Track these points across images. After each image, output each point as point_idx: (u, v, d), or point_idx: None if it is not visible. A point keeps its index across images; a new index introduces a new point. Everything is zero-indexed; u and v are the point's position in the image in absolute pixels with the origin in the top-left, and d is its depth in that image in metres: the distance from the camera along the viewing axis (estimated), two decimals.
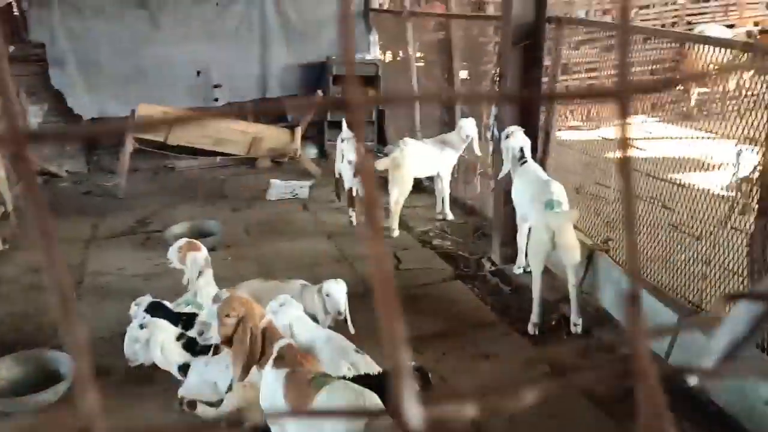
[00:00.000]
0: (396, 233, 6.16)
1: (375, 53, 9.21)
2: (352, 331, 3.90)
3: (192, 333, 3.61)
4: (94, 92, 8.48)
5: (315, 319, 3.88)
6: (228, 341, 2.63)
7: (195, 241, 4.62)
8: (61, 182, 8.39)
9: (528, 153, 4.71)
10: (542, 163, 4.99)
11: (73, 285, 5.37)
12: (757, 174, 3.31)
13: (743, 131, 3.54)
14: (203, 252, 4.49)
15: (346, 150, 6.06)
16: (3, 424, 3.61)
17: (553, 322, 4.41)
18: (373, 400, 2.36)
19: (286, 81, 9.14)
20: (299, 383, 2.51)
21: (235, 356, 2.59)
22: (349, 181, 6.27)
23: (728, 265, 3.65)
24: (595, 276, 4.49)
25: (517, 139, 4.73)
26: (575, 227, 4.37)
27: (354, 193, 6.36)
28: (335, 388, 2.40)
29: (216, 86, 8.92)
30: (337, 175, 6.62)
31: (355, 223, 6.38)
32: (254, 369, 2.71)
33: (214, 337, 2.61)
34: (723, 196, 4.19)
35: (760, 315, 1.18)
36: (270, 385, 2.61)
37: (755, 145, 3.42)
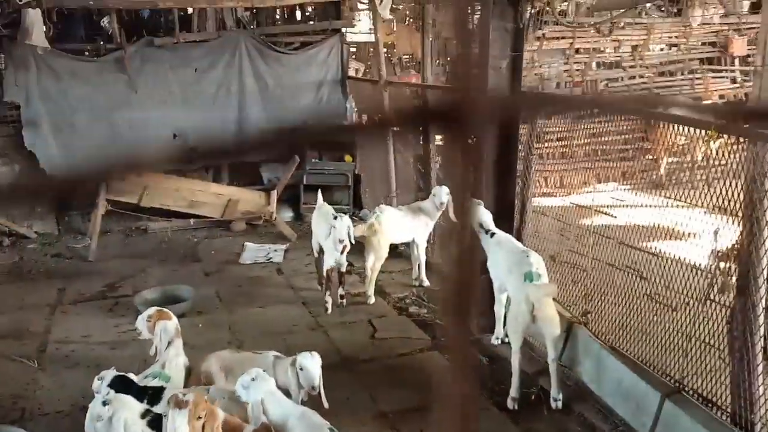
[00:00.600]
0: (372, 300, 6.07)
1: (352, 119, 9.32)
2: (326, 405, 3.77)
3: (158, 409, 3.45)
4: (67, 153, 8.37)
5: (287, 392, 3.74)
6: None
7: (165, 310, 4.48)
8: (29, 243, 8.18)
9: (491, 225, 4.69)
10: (518, 233, 4.99)
11: (36, 353, 5.16)
12: (735, 251, 3.32)
13: (712, 200, 3.59)
14: (173, 321, 4.36)
15: (338, 228, 5.59)
16: None
17: (533, 397, 4.31)
18: None
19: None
20: None
21: None
22: (334, 258, 5.77)
23: (708, 340, 3.63)
24: (574, 349, 4.43)
25: (475, 214, 4.72)
26: (554, 299, 4.34)
27: (336, 272, 5.85)
28: None
29: (192, 149, 8.88)
30: (315, 254, 6.26)
31: (330, 311, 5.85)
32: None
33: None
34: (698, 268, 4.20)
35: None
36: None
37: (724, 213, 3.45)
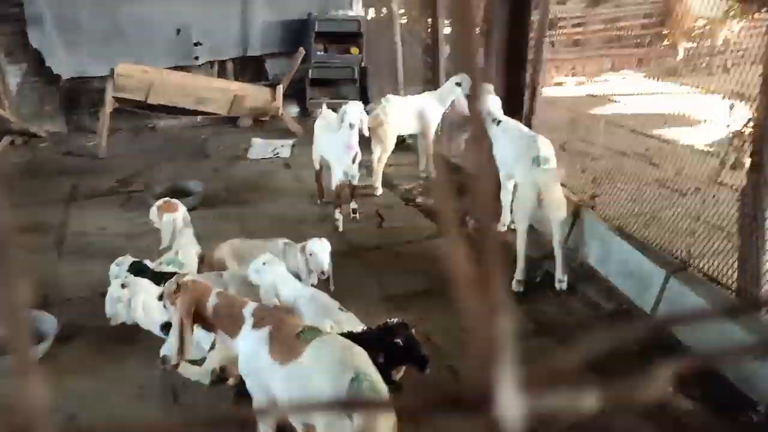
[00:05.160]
0: (379, 192, 6.09)
1: (358, 10, 9.01)
2: (331, 288, 3.88)
3: None
4: (72, 51, 8.26)
5: (298, 277, 3.83)
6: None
7: (173, 200, 4.54)
8: (40, 143, 8.21)
9: (499, 113, 4.63)
10: (528, 120, 4.91)
11: (55, 245, 5.29)
12: (749, 128, 3.26)
13: (730, 86, 3.49)
14: (180, 211, 4.43)
15: (350, 112, 5.00)
16: None
17: (538, 279, 4.39)
18: (360, 355, 2.33)
19: (268, 38, 8.93)
20: (286, 338, 2.47)
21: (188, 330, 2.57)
22: (342, 170, 5.16)
23: (716, 221, 3.63)
24: (581, 232, 4.46)
25: (483, 101, 4.65)
26: (561, 184, 4.33)
27: (348, 187, 5.28)
28: (325, 341, 2.36)
29: (196, 44, 8.71)
30: (317, 166, 5.78)
31: (341, 229, 5.34)
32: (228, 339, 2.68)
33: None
34: (710, 152, 4.15)
35: None
36: (252, 348, 2.56)
37: (743, 100, 3.37)
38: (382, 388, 2.22)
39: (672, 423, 3.11)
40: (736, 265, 3.39)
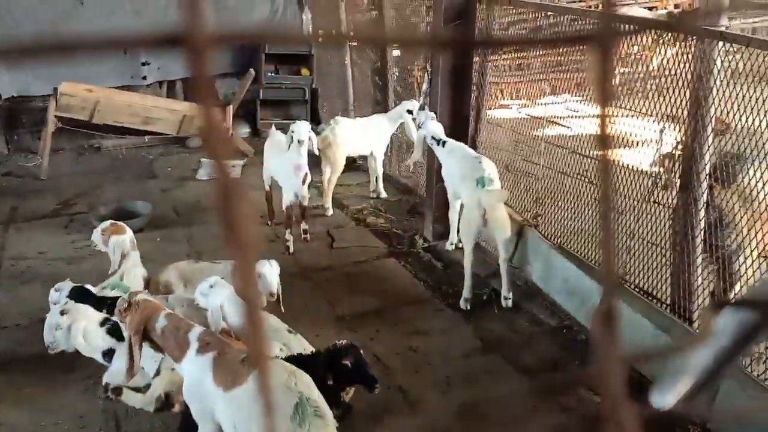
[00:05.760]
0: (330, 212, 6.12)
1: (308, 32, 9.06)
2: (282, 310, 3.86)
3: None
4: (14, 70, 8.02)
5: None
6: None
7: (119, 223, 4.46)
8: None
9: (442, 135, 4.75)
10: (473, 141, 5.03)
11: None
12: (679, 150, 3.42)
13: (664, 109, 3.66)
14: (128, 234, 4.35)
15: (297, 131, 5.02)
16: None
17: (485, 297, 4.48)
18: (303, 379, 2.33)
19: (218, 58, 8.88)
20: (230, 364, 2.45)
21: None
22: (293, 191, 5.17)
23: (651, 238, 3.78)
24: (525, 250, 4.58)
25: (426, 128, 4.79)
26: (505, 203, 4.44)
27: (298, 208, 5.26)
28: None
29: (144, 64, 8.59)
30: (267, 187, 5.70)
31: (292, 250, 5.31)
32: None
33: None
34: (646, 171, 4.32)
35: (747, 325, 1.11)
36: (196, 373, 2.54)
37: (675, 122, 3.53)
38: (327, 412, 2.23)
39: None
40: (669, 280, 3.53)
